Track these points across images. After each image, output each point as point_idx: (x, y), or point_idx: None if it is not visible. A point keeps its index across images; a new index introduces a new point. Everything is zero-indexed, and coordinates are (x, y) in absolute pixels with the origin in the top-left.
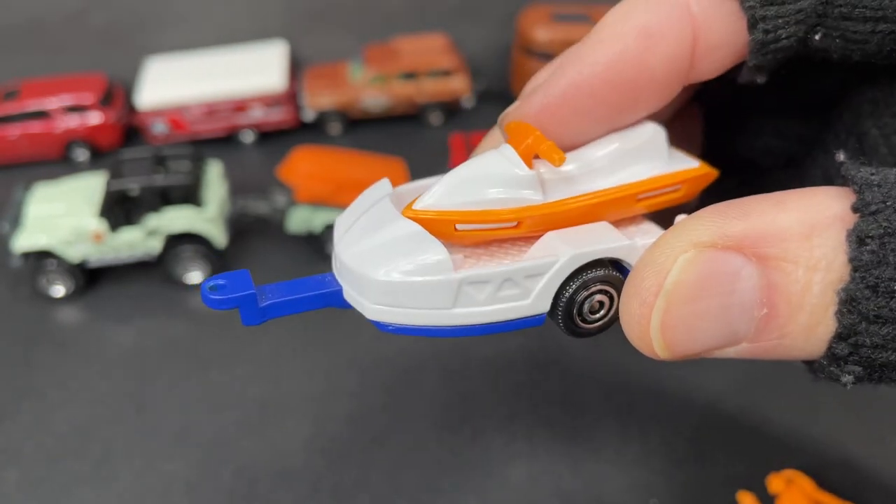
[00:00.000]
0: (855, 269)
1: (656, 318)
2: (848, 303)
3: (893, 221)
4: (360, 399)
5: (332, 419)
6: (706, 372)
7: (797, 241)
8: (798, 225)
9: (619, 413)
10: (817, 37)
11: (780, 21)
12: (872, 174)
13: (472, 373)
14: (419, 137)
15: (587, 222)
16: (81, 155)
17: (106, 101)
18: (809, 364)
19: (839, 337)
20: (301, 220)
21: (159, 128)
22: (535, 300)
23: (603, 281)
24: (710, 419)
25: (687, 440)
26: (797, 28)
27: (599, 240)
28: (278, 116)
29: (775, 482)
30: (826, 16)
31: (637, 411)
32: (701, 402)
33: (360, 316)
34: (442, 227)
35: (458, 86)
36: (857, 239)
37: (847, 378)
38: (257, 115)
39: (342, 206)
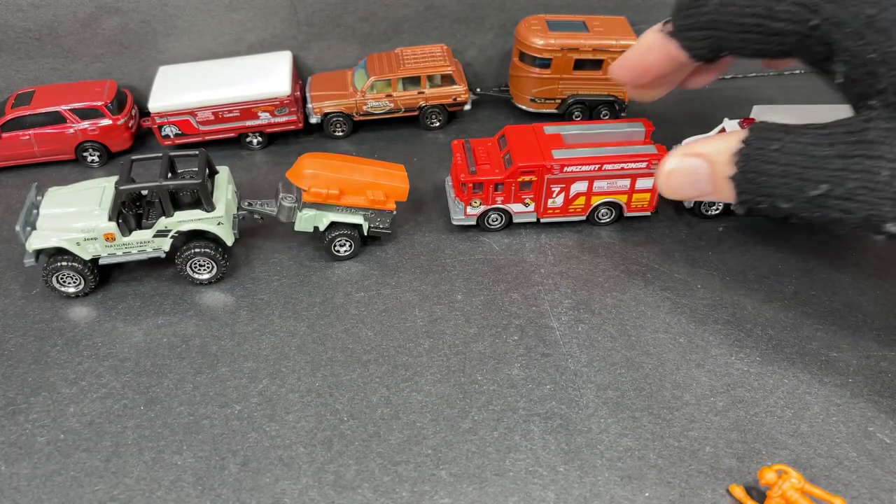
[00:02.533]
0: (737, 162)
1: (662, 182)
2: (739, 171)
3: (756, 145)
4: (361, 392)
5: (333, 412)
6: (697, 367)
7: (720, 154)
8: (718, 145)
9: (611, 407)
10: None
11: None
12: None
13: (470, 368)
14: (420, 141)
15: None
16: (93, 156)
17: (116, 105)
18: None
19: (736, 183)
20: (308, 219)
21: (169, 131)
22: None
23: None
24: (701, 414)
25: (679, 434)
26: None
27: None
28: (284, 120)
29: (766, 475)
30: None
31: (629, 406)
32: (692, 397)
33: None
34: None
35: (459, 91)
36: (741, 153)
37: (739, 207)
38: (264, 118)
39: (347, 207)
